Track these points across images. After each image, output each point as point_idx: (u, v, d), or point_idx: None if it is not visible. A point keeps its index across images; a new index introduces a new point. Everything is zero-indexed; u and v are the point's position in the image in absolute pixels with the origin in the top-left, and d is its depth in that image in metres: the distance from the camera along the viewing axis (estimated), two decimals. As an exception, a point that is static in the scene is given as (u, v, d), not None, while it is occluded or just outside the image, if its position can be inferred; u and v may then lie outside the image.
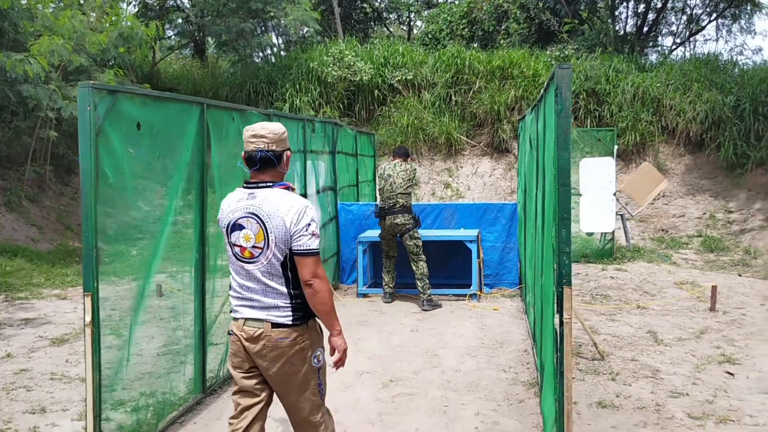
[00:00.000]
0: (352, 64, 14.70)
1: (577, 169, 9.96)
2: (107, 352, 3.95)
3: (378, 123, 14.82)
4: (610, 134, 10.65)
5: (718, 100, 12.88)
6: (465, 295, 7.80)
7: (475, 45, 17.56)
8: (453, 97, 14.68)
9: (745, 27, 17.75)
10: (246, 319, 2.94)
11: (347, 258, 8.75)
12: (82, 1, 11.76)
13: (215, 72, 17.49)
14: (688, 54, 17.46)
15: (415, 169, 7.66)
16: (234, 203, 2.95)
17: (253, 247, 2.88)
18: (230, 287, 3.05)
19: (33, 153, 11.62)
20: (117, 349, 4.06)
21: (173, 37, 18.81)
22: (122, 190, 3.77)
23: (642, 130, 13.29)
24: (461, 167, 14.26)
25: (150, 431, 4.19)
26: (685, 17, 18.05)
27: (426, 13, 21.32)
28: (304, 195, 7.25)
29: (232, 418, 3.05)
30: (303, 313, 2.91)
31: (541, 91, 4.55)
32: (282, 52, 18.38)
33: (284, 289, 2.89)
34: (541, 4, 16.95)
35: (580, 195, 9.63)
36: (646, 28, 17.76)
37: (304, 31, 18.51)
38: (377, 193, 9.58)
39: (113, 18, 11.80)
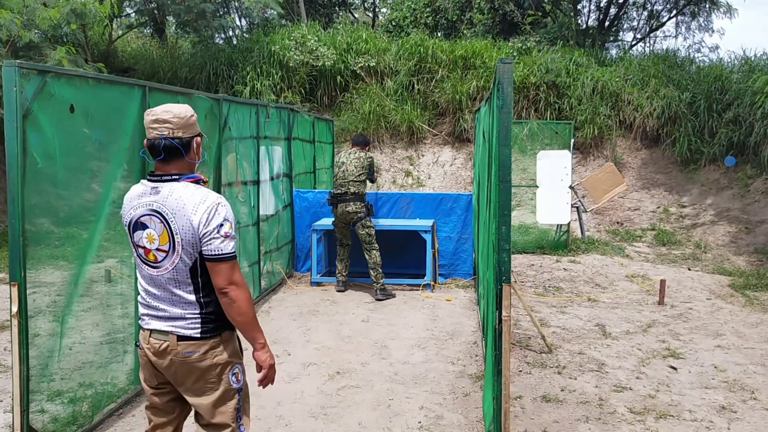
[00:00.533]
0: (314, 48, 14.46)
1: (535, 161, 10.05)
2: (47, 341, 3.80)
3: (340, 109, 14.66)
4: (568, 127, 10.74)
5: (675, 96, 13.09)
6: (419, 285, 7.78)
7: (439, 34, 17.50)
8: (415, 86, 14.60)
9: (703, 24, 18.08)
10: (152, 331, 2.63)
11: (302, 246, 8.64)
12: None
13: (175, 53, 17.01)
14: (647, 50, 17.68)
15: (371, 158, 7.57)
16: (136, 198, 2.60)
17: (158, 249, 2.55)
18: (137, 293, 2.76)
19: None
20: (56, 338, 3.91)
21: (132, 15, 18.24)
22: (52, 174, 3.61)
23: (600, 123, 13.42)
24: (422, 156, 14.22)
25: (85, 423, 4.06)
26: (646, 13, 18.30)
27: (391, -1, 21.19)
28: (256, 182, 7.11)
29: None
30: (216, 324, 2.62)
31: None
32: (245, 35, 18.00)
33: (192, 298, 2.58)
34: (505, -5, 16.95)
35: (537, 187, 9.75)
36: (607, 23, 17.94)
37: (267, 13, 18.16)
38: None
39: (65, -7, 11.38)
